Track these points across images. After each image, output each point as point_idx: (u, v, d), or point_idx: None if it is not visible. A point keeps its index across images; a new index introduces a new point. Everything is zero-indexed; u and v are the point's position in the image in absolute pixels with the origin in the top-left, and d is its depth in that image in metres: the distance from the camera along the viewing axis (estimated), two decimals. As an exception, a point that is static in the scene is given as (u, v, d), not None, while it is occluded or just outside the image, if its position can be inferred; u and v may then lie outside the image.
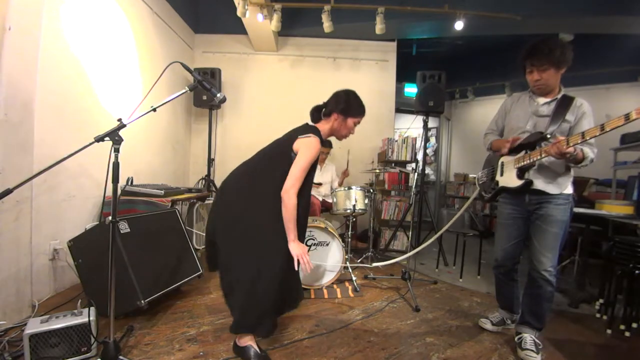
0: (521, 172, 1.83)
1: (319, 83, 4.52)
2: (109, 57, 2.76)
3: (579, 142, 1.53)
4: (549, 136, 1.74)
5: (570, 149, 1.56)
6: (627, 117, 1.38)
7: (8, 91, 1.82)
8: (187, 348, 1.74)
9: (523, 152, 1.81)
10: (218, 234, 1.62)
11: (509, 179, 1.89)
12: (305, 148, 1.58)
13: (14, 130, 1.87)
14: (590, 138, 1.51)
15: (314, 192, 3.91)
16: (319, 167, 4.07)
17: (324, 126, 1.76)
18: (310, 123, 1.79)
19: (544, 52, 1.70)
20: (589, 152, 1.67)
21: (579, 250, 3.07)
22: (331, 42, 4.61)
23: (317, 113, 1.81)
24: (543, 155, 1.69)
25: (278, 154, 1.64)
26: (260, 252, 1.55)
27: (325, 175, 4.07)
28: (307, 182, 1.64)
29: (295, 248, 1.54)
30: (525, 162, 1.78)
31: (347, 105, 1.75)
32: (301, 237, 1.66)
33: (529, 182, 1.79)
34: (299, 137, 1.62)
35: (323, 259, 2.71)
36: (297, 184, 1.54)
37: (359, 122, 1.82)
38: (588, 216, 2.80)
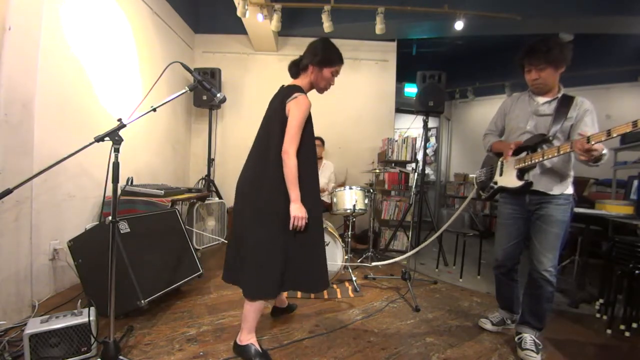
0: (521, 173, 1.83)
1: (319, 83, 4.53)
2: (109, 57, 2.77)
3: (603, 139, 1.46)
4: (551, 138, 1.74)
5: (597, 146, 1.48)
6: (634, 124, 1.34)
7: (8, 91, 1.82)
8: (187, 348, 1.74)
9: (524, 153, 1.81)
10: (241, 220, 1.67)
11: (508, 179, 1.89)
12: (295, 107, 1.58)
13: (14, 131, 1.87)
14: (595, 143, 1.48)
15: None
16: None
17: (303, 81, 1.74)
18: (287, 83, 1.76)
19: (541, 51, 1.70)
20: (605, 149, 1.63)
21: (579, 250, 3.07)
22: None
23: (295, 67, 1.78)
24: (545, 157, 1.69)
25: (278, 126, 1.61)
26: (276, 226, 1.59)
27: (322, 176, 4.06)
28: (309, 145, 1.66)
29: (295, 209, 1.55)
30: (526, 164, 1.78)
31: (321, 55, 1.70)
32: (316, 204, 1.68)
33: (529, 184, 1.79)
34: (287, 102, 1.60)
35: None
36: (295, 142, 1.55)
37: (337, 72, 1.77)
38: (588, 216, 2.80)
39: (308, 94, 1.72)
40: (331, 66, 1.72)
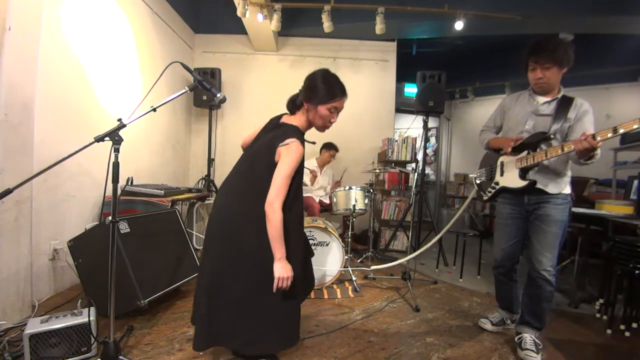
0: (523, 173, 1.82)
1: (319, 83, 4.54)
2: (109, 58, 2.77)
3: (609, 136, 1.46)
4: (552, 137, 1.74)
5: (600, 144, 1.49)
6: None
7: (8, 91, 1.82)
8: (187, 348, 1.74)
9: (525, 152, 1.80)
10: (212, 257, 1.51)
11: (510, 179, 1.89)
12: (286, 155, 1.43)
13: (14, 131, 1.87)
14: (603, 140, 1.47)
15: (311, 193, 3.91)
16: (319, 169, 4.07)
17: (300, 119, 1.58)
18: (284, 120, 1.62)
19: (548, 50, 1.69)
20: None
21: (579, 250, 3.07)
22: (331, 42, 4.61)
23: (292, 104, 1.61)
24: (548, 156, 1.68)
25: (264, 169, 1.46)
26: (256, 275, 1.46)
27: (322, 178, 4.09)
28: (298, 195, 1.52)
29: (279, 269, 1.38)
30: (529, 163, 1.77)
31: (313, 91, 1.51)
32: (299, 248, 1.53)
33: (534, 183, 1.78)
34: (279, 146, 1.45)
35: (323, 259, 2.71)
36: (282, 194, 1.39)
37: (335, 108, 1.54)
38: (588, 216, 2.79)
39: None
40: (326, 103, 1.50)
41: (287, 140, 1.45)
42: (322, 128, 1.60)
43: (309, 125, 1.60)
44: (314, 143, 1.74)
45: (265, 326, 1.47)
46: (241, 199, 1.50)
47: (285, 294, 1.45)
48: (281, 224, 1.38)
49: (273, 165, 1.45)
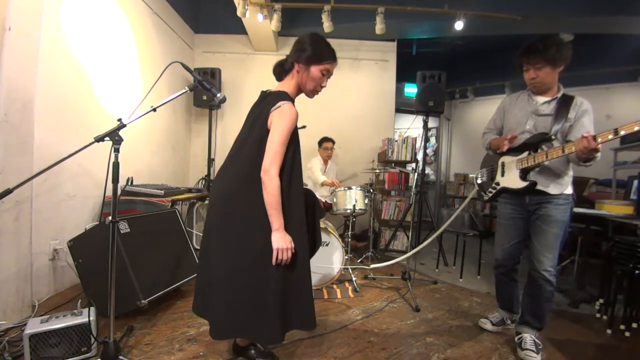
0: (524, 174, 1.82)
1: (319, 83, 4.54)
2: (109, 58, 2.77)
3: (610, 138, 1.45)
4: (553, 137, 1.74)
5: (600, 145, 1.47)
6: None
7: (8, 91, 1.82)
8: (187, 348, 1.74)
9: (526, 153, 1.80)
10: (210, 239, 1.45)
11: (511, 179, 1.89)
12: (279, 118, 1.35)
13: (14, 131, 1.87)
14: (604, 142, 1.47)
15: (317, 194, 3.90)
16: (323, 165, 4.06)
17: (288, 84, 1.51)
18: (273, 89, 1.55)
19: (538, 50, 1.71)
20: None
21: (579, 250, 3.07)
22: (331, 42, 4.53)
23: (280, 68, 1.54)
24: (549, 157, 1.68)
25: (256, 140, 1.40)
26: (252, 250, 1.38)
27: (329, 175, 4.08)
28: (295, 162, 1.44)
29: (278, 240, 1.32)
30: (529, 164, 1.77)
31: (309, 51, 1.45)
32: (297, 232, 1.41)
33: (534, 184, 1.78)
34: (270, 111, 1.38)
35: (323, 259, 2.71)
36: (277, 160, 1.33)
37: (328, 72, 1.50)
38: (588, 216, 2.80)
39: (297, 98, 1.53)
40: (320, 63, 1.46)
41: (279, 103, 1.38)
42: (312, 92, 1.53)
43: (298, 90, 1.53)
44: (304, 127, 1.65)
45: (274, 307, 1.36)
46: (236, 179, 1.43)
47: (289, 269, 1.37)
48: (278, 191, 1.32)
49: (266, 134, 1.38)
